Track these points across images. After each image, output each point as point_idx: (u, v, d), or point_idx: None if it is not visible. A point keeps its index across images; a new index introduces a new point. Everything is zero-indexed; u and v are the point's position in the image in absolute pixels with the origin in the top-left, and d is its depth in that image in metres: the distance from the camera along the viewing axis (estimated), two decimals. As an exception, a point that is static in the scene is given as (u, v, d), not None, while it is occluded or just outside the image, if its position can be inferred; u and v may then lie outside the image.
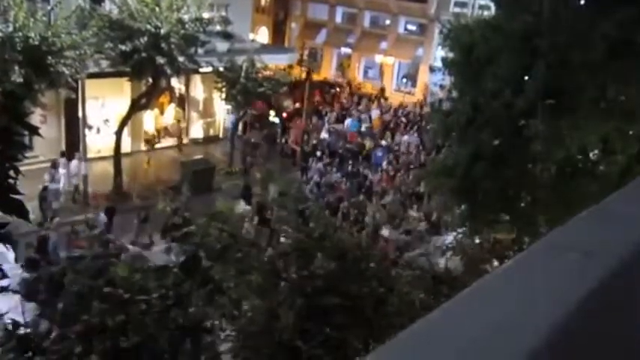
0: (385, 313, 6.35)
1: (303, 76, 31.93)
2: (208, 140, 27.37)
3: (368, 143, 26.40)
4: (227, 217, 7.81)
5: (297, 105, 29.80)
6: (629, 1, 9.25)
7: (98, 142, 23.23)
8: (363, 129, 28.61)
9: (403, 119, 30.63)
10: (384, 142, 26.68)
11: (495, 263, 9.23)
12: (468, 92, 11.25)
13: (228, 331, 6.16)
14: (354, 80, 39.30)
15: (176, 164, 23.49)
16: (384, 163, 24.06)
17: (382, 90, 36.70)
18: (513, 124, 10.29)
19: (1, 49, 16.04)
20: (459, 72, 11.58)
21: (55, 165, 20.02)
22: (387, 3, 37.90)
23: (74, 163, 20.70)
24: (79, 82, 19.65)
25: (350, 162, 23.97)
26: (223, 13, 25.07)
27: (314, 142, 26.34)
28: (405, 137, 27.39)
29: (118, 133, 21.11)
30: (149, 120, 25.58)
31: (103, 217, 16.73)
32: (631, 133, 9.73)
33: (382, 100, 34.80)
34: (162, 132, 26.40)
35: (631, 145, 9.48)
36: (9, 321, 5.29)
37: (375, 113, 31.21)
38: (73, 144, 21.68)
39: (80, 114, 21.23)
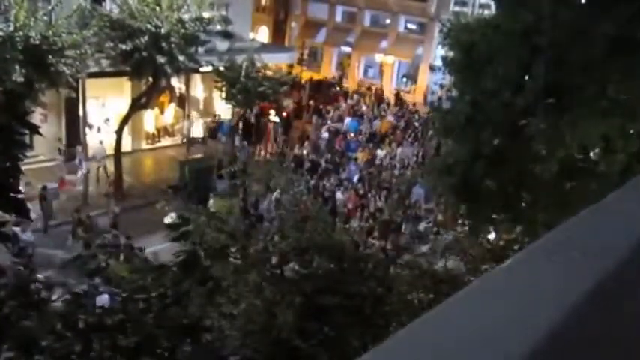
0: (384, 312, 6.35)
1: (304, 75, 31.93)
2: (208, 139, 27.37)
3: (361, 154, 25.29)
4: (224, 215, 7.80)
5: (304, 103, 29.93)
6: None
7: (99, 141, 23.25)
8: (367, 133, 28.04)
9: (416, 124, 29.86)
10: (379, 152, 25.57)
11: (495, 263, 9.21)
12: (467, 91, 11.24)
13: (227, 329, 6.15)
14: (352, 77, 39.25)
15: (175, 163, 23.47)
16: (355, 178, 22.38)
17: (397, 93, 36.44)
18: (513, 123, 10.27)
19: (2, 48, 16.05)
20: (458, 71, 11.56)
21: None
22: (387, 2, 37.89)
23: (98, 146, 21.49)
24: (80, 82, 19.70)
25: (315, 176, 22.00)
26: (223, 13, 25.07)
27: (303, 150, 25.22)
28: (399, 150, 25.99)
29: (119, 133, 21.13)
30: (149, 119, 25.60)
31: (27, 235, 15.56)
32: (632, 131, 9.70)
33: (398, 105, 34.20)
34: (162, 131, 26.49)
35: (631, 144, 9.45)
36: None
37: (389, 118, 30.65)
38: (74, 143, 21.75)
39: (81, 113, 21.27)
